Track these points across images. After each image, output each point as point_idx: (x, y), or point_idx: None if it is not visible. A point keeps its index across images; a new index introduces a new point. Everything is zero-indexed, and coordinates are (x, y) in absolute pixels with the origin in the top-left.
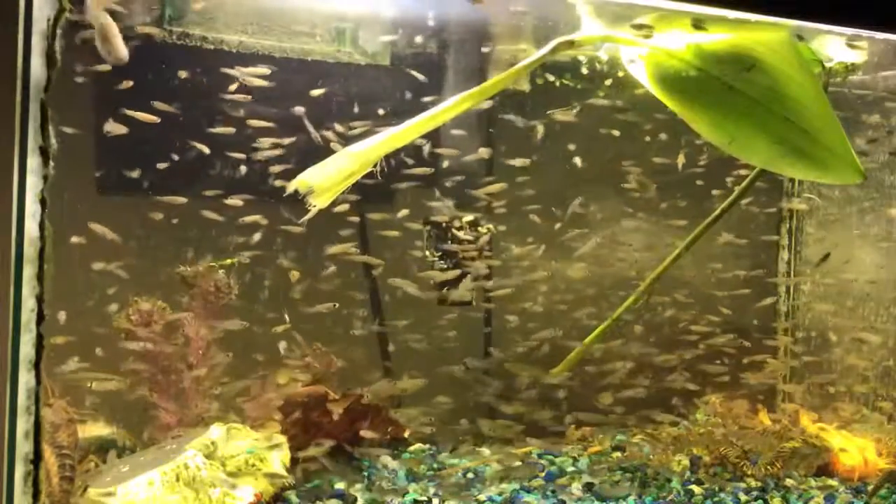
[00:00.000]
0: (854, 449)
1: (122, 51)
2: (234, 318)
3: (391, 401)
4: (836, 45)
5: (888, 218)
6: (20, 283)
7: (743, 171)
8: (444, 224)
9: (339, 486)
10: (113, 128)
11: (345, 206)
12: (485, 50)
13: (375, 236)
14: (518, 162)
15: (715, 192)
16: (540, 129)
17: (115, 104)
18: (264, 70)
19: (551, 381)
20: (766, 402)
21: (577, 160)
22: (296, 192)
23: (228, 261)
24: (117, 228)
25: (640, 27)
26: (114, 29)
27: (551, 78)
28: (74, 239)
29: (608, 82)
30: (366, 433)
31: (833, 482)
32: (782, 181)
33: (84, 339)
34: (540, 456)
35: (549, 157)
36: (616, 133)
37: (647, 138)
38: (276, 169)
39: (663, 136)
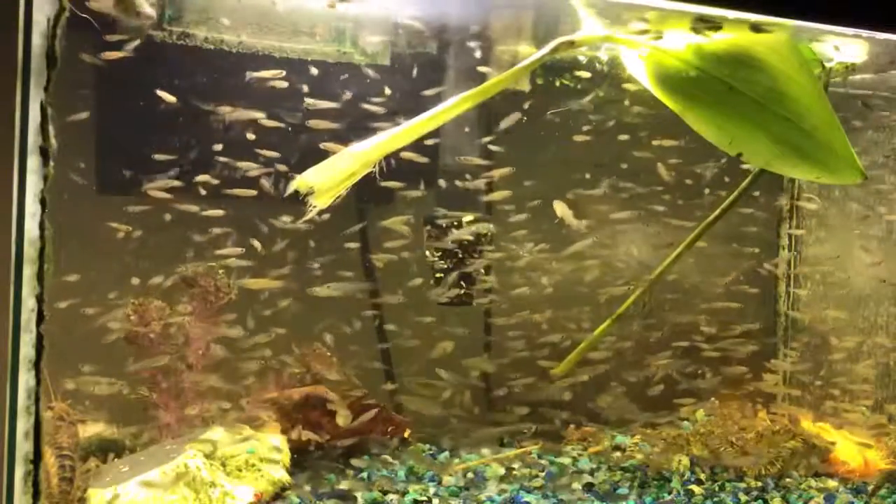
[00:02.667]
0: (854, 449)
1: (148, 8)
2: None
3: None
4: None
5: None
6: (20, 283)
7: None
8: (444, 224)
9: (339, 486)
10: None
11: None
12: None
13: (375, 236)
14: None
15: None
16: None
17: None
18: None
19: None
20: (765, 403)
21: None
22: (296, 192)
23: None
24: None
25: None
26: None
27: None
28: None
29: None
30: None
31: (833, 482)
32: (782, 181)
33: (84, 339)
34: (540, 456)
35: (550, 156)
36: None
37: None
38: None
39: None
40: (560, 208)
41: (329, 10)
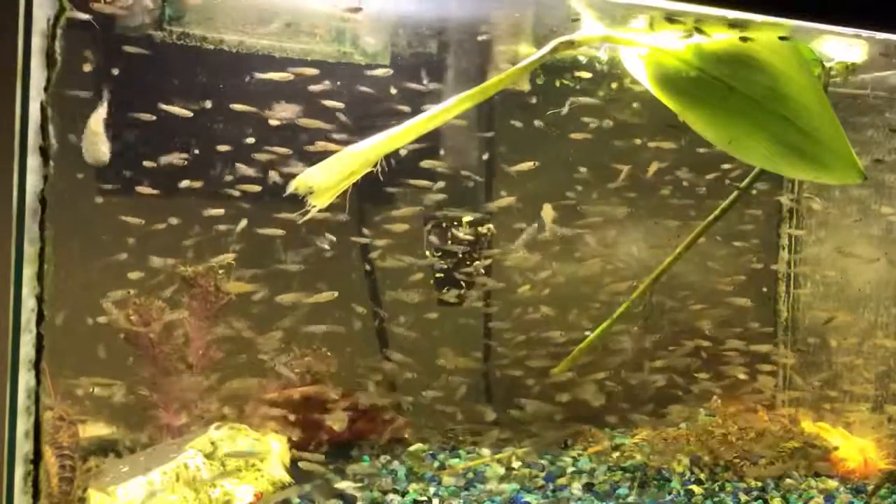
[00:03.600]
0: (854, 449)
1: (103, 154)
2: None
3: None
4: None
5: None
6: (20, 283)
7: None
8: (444, 224)
9: (339, 486)
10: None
11: None
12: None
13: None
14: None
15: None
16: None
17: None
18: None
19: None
20: (765, 403)
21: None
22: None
23: (227, 261)
24: (116, 228)
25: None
26: (101, 136)
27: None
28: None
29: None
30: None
31: (833, 482)
32: (782, 181)
33: (84, 339)
34: (540, 456)
35: (550, 157)
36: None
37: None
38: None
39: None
40: (547, 212)
41: (333, 11)
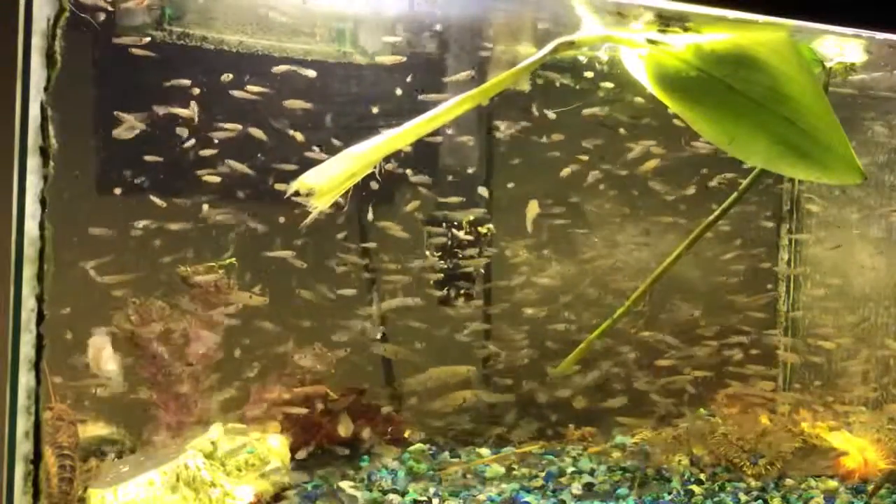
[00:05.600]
0: (854, 449)
1: (110, 368)
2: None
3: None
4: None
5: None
6: (20, 283)
7: None
8: (443, 224)
9: (339, 485)
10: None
11: None
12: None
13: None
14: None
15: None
16: None
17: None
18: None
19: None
20: (765, 403)
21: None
22: (296, 193)
23: (227, 261)
24: (117, 228)
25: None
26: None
27: None
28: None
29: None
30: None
31: (833, 482)
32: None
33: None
34: (540, 456)
35: (547, 157)
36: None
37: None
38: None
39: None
40: (532, 209)
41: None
